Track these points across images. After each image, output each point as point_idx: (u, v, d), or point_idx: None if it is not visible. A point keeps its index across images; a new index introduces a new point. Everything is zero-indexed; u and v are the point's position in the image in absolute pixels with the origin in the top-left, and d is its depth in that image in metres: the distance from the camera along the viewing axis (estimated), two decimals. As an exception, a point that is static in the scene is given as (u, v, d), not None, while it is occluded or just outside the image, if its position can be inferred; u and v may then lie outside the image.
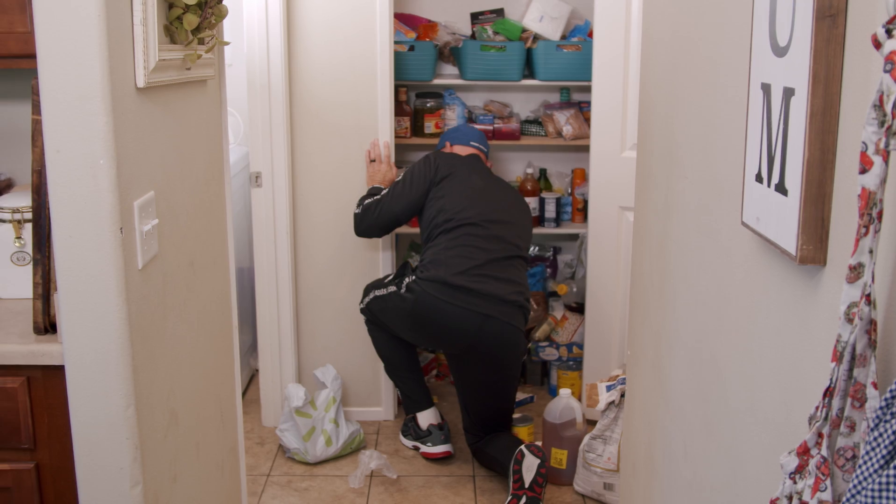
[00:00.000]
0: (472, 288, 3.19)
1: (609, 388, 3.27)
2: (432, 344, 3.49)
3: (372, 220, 3.48)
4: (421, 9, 4.32)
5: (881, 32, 0.86)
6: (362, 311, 3.56)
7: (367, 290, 3.53)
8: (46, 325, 1.75)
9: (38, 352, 1.71)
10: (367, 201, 3.51)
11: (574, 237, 4.38)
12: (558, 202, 4.19)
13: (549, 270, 4.46)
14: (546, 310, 4.29)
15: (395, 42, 3.85)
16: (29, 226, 1.94)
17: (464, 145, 3.64)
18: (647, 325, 2.12)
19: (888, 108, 0.84)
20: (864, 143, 0.88)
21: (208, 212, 2.24)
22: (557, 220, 4.21)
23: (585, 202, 4.12)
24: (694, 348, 1.69)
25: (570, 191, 4.30)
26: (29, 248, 1.95)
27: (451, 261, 3.22)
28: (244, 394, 4.03)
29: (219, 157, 2.36)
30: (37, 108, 1.66)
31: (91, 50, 1.54)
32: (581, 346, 4.06)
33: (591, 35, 3.86)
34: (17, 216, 1.95)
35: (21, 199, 1.99)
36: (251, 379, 4.36)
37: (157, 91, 1.82)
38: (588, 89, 3.84)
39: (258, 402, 3.96)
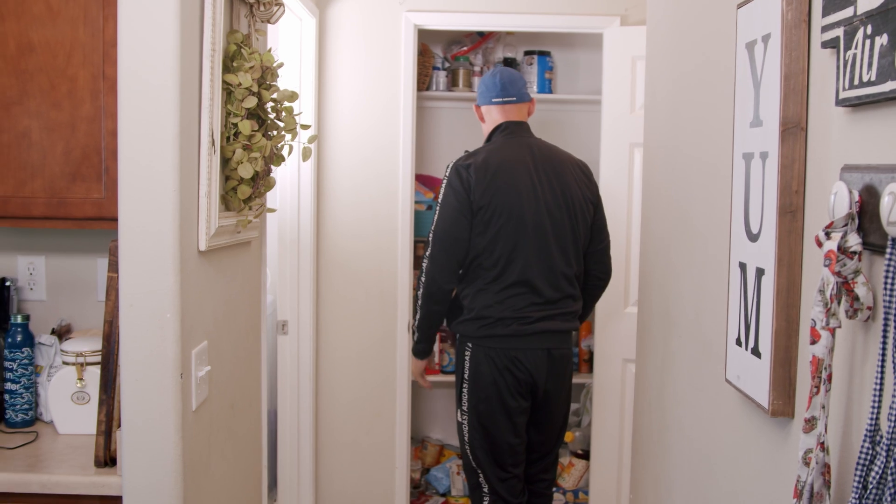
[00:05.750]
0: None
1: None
2: None
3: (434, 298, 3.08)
4: (440, 170, 4.63)
5: (822, 235, 1.10)
6: None
7: None
8: (106, 459, 1.94)
9: (99, 483, 1.90)
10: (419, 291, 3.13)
11: (581, 387, 4.56)
12: (565, 353, 4.38)
13: (556, 418, 4.61)
14: (553, 457, 4.42)
15: (416, 202, 4.15)
16: (90, 368, 2.16)
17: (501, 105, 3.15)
18: (647, 472, 2.29)
19: (827, 294, 1.07)
20: (813, 319, 1.11)
21: (247, 359, 2.45)
22: (565, 370, 4.38)
23: (591, 354, 4.32)
24: (688, 493, 1.87)
25: (577, 343, 4.50)
26: (88, 389, 2.16)
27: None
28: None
29: (257, 310, 2.59)
30: (113, 267, 1.91)
31: (166, 220, 1.79)
32: (587, 492, 4.17)
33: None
34: (81, 360, 2.16)
35: (83, 345, 2.20)
36: (266, 521, 4.45)
37: (214, 253, 2.06)
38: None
39: (273, 545, 4.05)
